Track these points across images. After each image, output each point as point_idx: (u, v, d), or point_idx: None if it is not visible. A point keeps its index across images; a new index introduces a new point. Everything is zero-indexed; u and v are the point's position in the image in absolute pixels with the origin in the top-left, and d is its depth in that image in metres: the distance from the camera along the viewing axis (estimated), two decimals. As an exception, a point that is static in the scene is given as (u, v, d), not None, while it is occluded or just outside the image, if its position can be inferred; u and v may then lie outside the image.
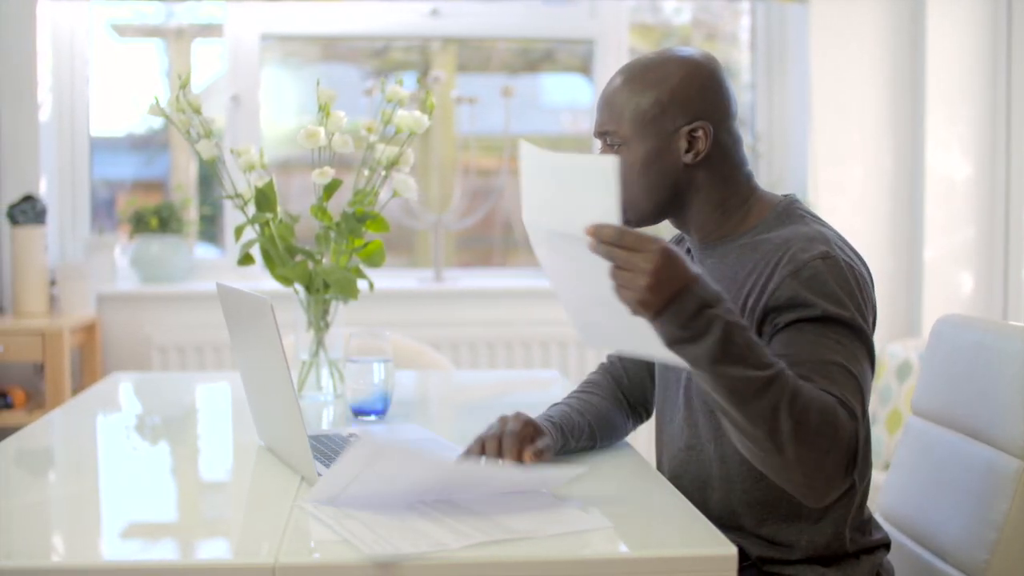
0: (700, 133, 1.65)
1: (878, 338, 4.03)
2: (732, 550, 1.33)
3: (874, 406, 3.69)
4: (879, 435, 3.61)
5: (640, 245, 1.35)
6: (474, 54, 4.37)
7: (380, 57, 4.37)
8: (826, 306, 1.50)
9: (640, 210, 1.69)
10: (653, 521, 1.46)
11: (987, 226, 4.04)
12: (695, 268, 1.39)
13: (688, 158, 1.66)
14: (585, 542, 1.36)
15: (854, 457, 1.43)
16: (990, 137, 4.02)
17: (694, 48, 1.73)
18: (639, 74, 1.68)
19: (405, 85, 2.31)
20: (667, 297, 1.36)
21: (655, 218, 1.71)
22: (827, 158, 4.06)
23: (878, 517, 1.92)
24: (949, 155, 4.02)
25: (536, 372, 3.55)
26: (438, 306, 4.01)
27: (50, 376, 3.50)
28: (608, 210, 1.36)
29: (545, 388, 2.63)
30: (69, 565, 1.33)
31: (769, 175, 4.21)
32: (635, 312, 1.37)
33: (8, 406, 3.61)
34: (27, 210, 3.66)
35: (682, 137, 1.65)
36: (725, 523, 1.64)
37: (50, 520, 1.51)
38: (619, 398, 1.91)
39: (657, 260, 1.34)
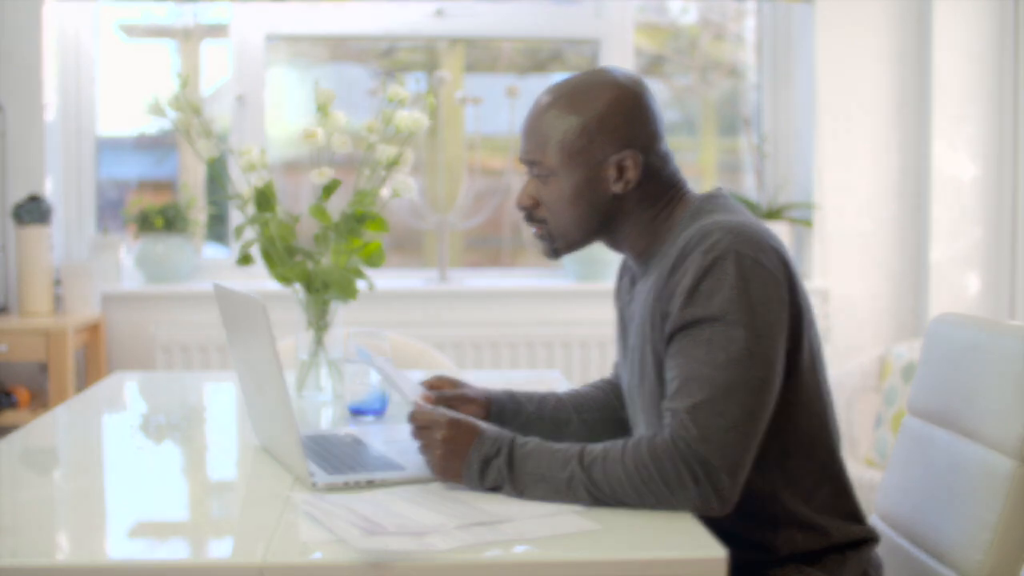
0: (629, 162, 1.63)
1: (882, 340, 4.03)
2: (722, 553, 1.32)
3: (879, 407, 3.67)
4: (884, 436, 3.59)
5: (430, 423, 1.57)
6: (482, 54, 4.37)
7: (387, 57, 4.37)
8: (695, 311, 1.51)
9: (569, 239, 1.70)
10: (645, 523, 1.46)
11: (994, 227, 4.03)
12: (481, 425, 1.56)
13: (618, 187, 1.64)
14: (576, 544, 1.36)
15: (701, 464, 1.45)
16: (997, 138, 4.01)
17: (621, 70, 1.70)
18: (565, 101, 1.65)
19: (412, 85, 2.31)
20: (460, 462, 1.54)
21: (584, 244, 1.72)
22: (833, 159, 4.05)
23: (875, 519, 1.92)
24: (956, 156, 4.00)
25: (540, 372, 3.55)
26: (442, 306, 4.01)
27: (54, 376, 3.51)
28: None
29: (548, 389, 2.62)
30: (73, 563, 1.33)
31: (775, 176, 4.20)
32: (441, 480, 1.56)
33: (12, 405, 3.62)
34: (32, 210, 3.67)
35: (611, 166, 1.64)
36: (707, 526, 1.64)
37: (53, 518, 1.52)
38: (615, 396, 1.93)
39: (445, 433, 1.54)
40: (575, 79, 1.68)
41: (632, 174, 1.63)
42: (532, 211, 1.70)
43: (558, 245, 1.71)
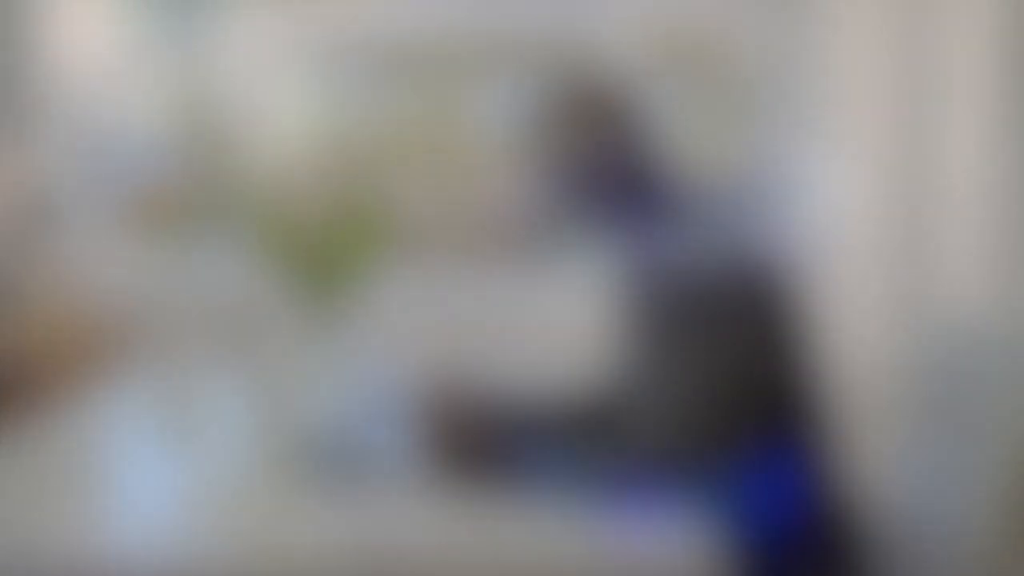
0: (616, 167, 1.65)
1: (884, 340, 4.03)
2: (722, 553, 1.33)
3: (879, 407, 3.67)
4: (885, 436, 3.59)
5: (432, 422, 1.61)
6: (487, 54, 4.37)
7: (398, 57, 4.37)
8: None
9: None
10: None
11: (998, 228, 4.02)
12: (483, 424, 1.61)
13: (606, 191, 1.66)
14: (574, 544, 1.36)
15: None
16: (1006, 136, 4.00)
17: (604, 76, 1.72)
18: (550, 107, 1.68)
19: (421, 85, 2.32)
20: (460, 461, 1.58)
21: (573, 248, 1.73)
22: (837, 156, 4.04)
23: (875, 518, 1.92)
24: (961, 155, 3.99)
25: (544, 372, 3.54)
26: (446, 304, 4.00)
27: (54, 375, 3.51)
28: None
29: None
30: (72, 564, 1.34)
31: (779, 174, 4.20)
32: (441, 479, 1.55)
33: (13, 404, 3.62)
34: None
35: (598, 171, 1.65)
36: None
37: (53, 519, 1.52)
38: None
39: (446, 432, 1.61)
40: (560, 85, 1.69)
41: (619, 179, 1.64)
42: (522, 214, 1.72)
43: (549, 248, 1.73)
